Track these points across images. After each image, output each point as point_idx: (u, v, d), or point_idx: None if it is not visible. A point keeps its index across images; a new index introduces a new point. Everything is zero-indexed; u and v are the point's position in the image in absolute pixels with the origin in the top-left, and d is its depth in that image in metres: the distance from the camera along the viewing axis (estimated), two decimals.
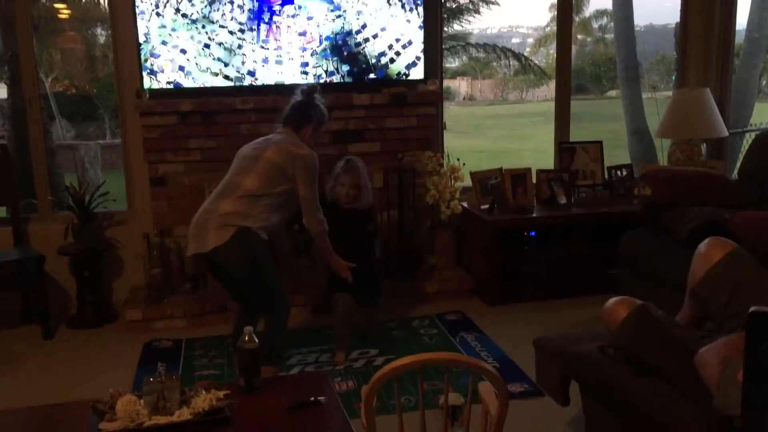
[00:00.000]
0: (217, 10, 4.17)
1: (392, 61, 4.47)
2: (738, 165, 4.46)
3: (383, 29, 4.42)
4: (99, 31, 11.36)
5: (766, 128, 5.77)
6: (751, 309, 1.29)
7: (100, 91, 12.06)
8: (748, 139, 5.72)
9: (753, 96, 6.99)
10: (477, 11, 9.63)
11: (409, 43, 4.46)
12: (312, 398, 2.17)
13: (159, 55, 4.17)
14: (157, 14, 4.13)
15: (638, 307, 2.28)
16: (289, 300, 3.28)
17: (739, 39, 6.44)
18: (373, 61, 4.44)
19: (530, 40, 22.09)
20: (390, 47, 4.45)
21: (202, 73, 4.23)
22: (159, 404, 2.04)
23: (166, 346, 3.94)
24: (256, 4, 4.21)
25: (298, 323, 4.11)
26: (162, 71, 4.21)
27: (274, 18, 4.26)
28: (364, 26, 4.39)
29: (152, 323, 4.16)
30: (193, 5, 4.15)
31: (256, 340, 2.25)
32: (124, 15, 4.24)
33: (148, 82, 4.20)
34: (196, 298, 4.30)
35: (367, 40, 4.41)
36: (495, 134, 15.73)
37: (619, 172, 4.87)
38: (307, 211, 3.24)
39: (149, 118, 4.21)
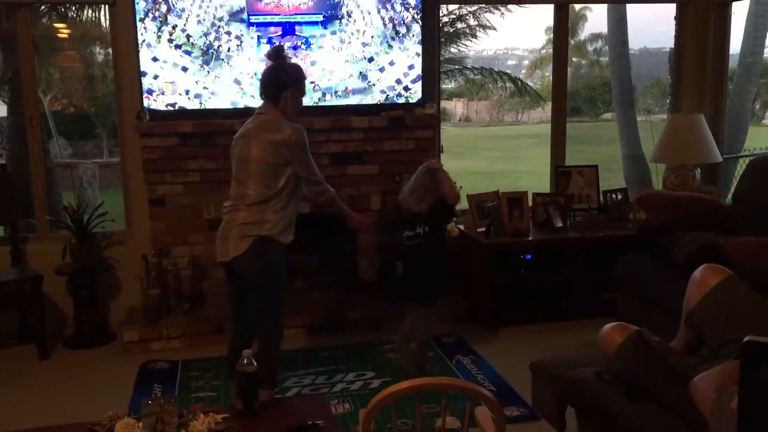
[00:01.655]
0: (219, 47, 4.24)
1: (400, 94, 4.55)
2: (732, 190, 4.50)
3: (392, 63, 4.50)
4: (98, 50, 11.43)
5: (760, 153, 5.82)
6: (746, 339, 1.32)
7: (98, 110, 12.11)
8: (742, 164, 5.78)
9: (747, 121, 7.06)
10: (474, 35, 9.73)
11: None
12: (310, 422, 2.17)
13: (158, 77, 4.22)
14: (158, 38, 4.18)
15: (634, 333, 2.30)
16: (283, 322, 3.28)
17: (733, 64, 6.53)
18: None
19: (526, 62, 22.31)
20: (398, 81, 4.53)
21: (202, 95, 4.29)
22: (157, 428, 2.04)
23: (162, 368, 3.93)
24: (256, 37, 4.28)
25: (294, 345, 4.11)
26: (162, 93, 4.25)
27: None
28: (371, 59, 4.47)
29: (149, 344, 4.16)
30: (192, 42, 4.21)
31: (255, 363, 2.26)
32: (125, 36, 4.29)
33: (147, 103, 4.23)
34: (193, 319, 4.30)
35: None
36: (491, 155, 15.82)
37: (614, 196, 4.91)
38: (311, 185, 3.20)
39: (149, 139, 4.23)
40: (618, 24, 7.84)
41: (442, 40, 8.33)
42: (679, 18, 5.14)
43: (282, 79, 3.08)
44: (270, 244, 3.04)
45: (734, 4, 5.06)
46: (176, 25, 4.19)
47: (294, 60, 4.16)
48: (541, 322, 4.44)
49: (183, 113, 4.28)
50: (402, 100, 4.58)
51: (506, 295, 4.44)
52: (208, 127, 4.22)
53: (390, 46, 4.49)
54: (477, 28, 9.60)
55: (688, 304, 2.40)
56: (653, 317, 3.23)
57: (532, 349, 3.97)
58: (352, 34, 4.43)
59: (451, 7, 8.65)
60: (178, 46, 4.21)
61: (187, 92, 4.27)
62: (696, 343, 2.46)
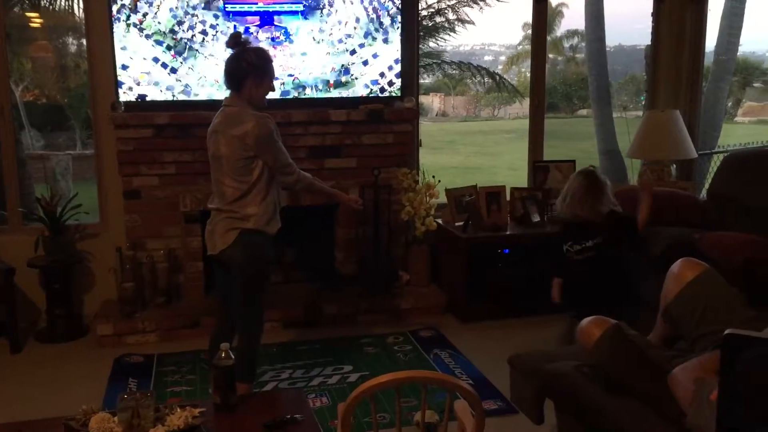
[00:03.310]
0: (193, 36, 4.18)
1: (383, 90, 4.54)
2: (707, 186, 4.55)
3: (375, 56, 4.47)
4: (71, 40, 11.23)
5: (734, 150, 5.90)
6: (726, 331, 1.32)
7: (72, 101, 11.91)
8: (716, 160, 5.85)
9: (721, 118, 7.16)
10: (453, 30, 9.73)
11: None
12: (288, 416, 2.16)
13: (128, 67, 4.16)
14: (135, 26, 4.12)
15: (611, 326, 2.31)
16: (264, 317, 3.25)
17: (707, 62, 6.61)
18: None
19: (502, 58, 22.35)
20: (382, 75, 4.51)
21: (178, 86, 4.23)
22: (133, 422, 2.02)
23: (137, 362, 3.88)
24: (232, 27, 4.23)
25: (272, 339, 4.08)
26: (138, 84, 4.19)
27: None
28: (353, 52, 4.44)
29: (123, 338, 4.11)
30: (172, 35, 4.15)
31: (233, 357, 2.24)
32: (99, 26, 4.22)
33: (122, 95, 4.17)
34: (169, 312, 4.25)
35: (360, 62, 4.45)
36: (467, 150, 15.86)
37: None
38: (282, 176, 3.05)
39: (124, 130, 4.17)
40: (595, 20, 7.89)
41: (421, 34, 8.32)
42: (656, 15, 5.18)
43: (242, 67, 2.94)
44: (256, 236, 3.00)
45: (710, 1, 5.11)
46: (147, 14, 4.12)
47: (270, 48, 4.14)
48: (519, 316, 4.46)
49: (158, 104, 4.22)
50: (386, 95, 4.56)
51: (484, 289, 4.45)
52: (184, 119, 4.16)
53: (374, 38, 4.46)
54: (456, 23, 9.60)
55: (665, 298, 2.43)
56: (631, 311, 3.25)
57: (510, 342, 3.98)
58: (334, 25, 4.39)
59: (430, 0, 8.65)
60: (148, 36, 4.14)
61: (161, 84, 4.21)
62: (673, 337, 2.49)
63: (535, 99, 5.17)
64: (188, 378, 3.67)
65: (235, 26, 4.21)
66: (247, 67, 2.93)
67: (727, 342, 1.35)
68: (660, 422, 2.05)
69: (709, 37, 5.34)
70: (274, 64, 3.05)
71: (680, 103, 5.08)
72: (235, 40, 3.01)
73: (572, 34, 20.65)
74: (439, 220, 4.71)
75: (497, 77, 11.20)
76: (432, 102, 21.46)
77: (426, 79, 15.61)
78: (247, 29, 4.23)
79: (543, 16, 5.06)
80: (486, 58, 22.87)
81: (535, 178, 5.01)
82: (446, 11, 9.38)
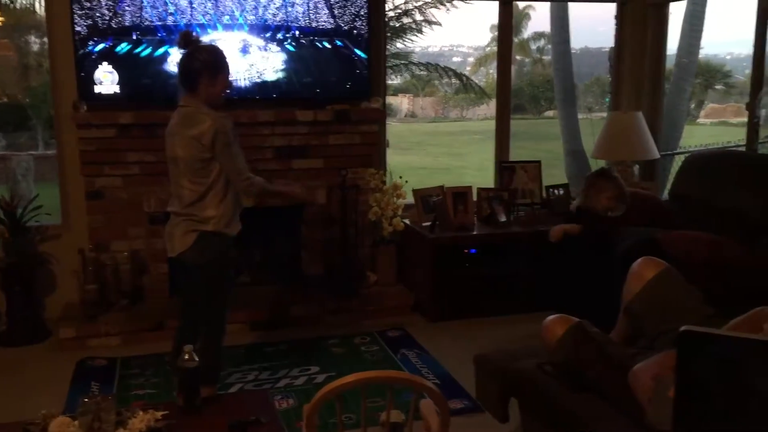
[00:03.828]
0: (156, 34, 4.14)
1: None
2: (668, 186, 4.63)
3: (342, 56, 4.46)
4: (32, 39, 11.03)
5: (695, 151, 6.01)
6: (682, 328, 1.34)
7: (34, 101, 11.69)
8: (678, 161, 5.95)
9: (683, 119, 7.29)
10: (420, 31, 9.76)
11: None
12: (253, 417, 2.15)
13: (97, 67, 4.10)
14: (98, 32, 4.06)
15: (574, 324, 2.34)
16: (227, 318, 3.22)
17: (670, 64, 6.72)
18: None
19: (471, 60, 22.48)
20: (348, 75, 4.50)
21: (140, 85, 4.18)
22: (94, 426, 1.98)
23: (100, 365, 3.83)
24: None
25: (238, 341, 4.06)
26: (100, 83, 4.13)
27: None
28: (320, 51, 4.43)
29: (86, 341, 4.04)
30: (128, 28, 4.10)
31: (196, 359, 2.21)
32: (61, 24, 4.15)
33: (84, 93, 4.11)
34: (133, 315, 4.20)
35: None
36: (436, 151, 15.92)
37: (556, 191, 4.99)
38: (236, 181, 2.93)
39: (86, 130, 4.11)
40: (560, 23, 7.98)
41: (388, 34, 8.33)
42: (619, 17, 5.25)
43: (194, 66, 2.89)
44: (216, 239, 2.97)
45: (671, 4, 5.20)
46: (112, 9, 4.07)
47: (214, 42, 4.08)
48: (486, 315, 4.49)
49: (122, 103, 4.17)
50: (350, 95, 4.55)
51: (451, 289, 4.47)
52: (148, 118, 4.11)
53: (338, 39, 4.46)
54: (423, 24, 9.64)
55: (627, 296, 2.47)
56: (595, 309, 3.30)
57: (477, 342, 4.01)
58: (301, 23, 4.38)
59: (398, 1, 8.67)
60: (113, 33, 4.09)
61: (125, 82, 4.16)
62: (634, 334, 2.53)
63: (502, 100, 5.21)
64: (152, 381, 3.63)
65: (184, 25, 4.17)
66: (200, 65, 2.88)
67: (683, 339, 1.38)
68: (621, 419, 2.08)
69: (670, 40, 5.44)
70: (228, 60, 3.00)
71: (643, 104, 5.16)
72: (185, 40, 2.95)
73: (539, 36, 20.86)
74: (407, 221, 4.72)
75: (464, 78, 11.27)
76: (401, 103, 21.50)
77: (395, 80, 15.63)
78: (205, 25, 4.19)
79: (508, 18, 5.10)
80: (454, 59, 22.99)
81: (501, 178, 5.05)
82: (413, 12, 9.43)
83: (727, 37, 24.53)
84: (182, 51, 2.97)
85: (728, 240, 3.39)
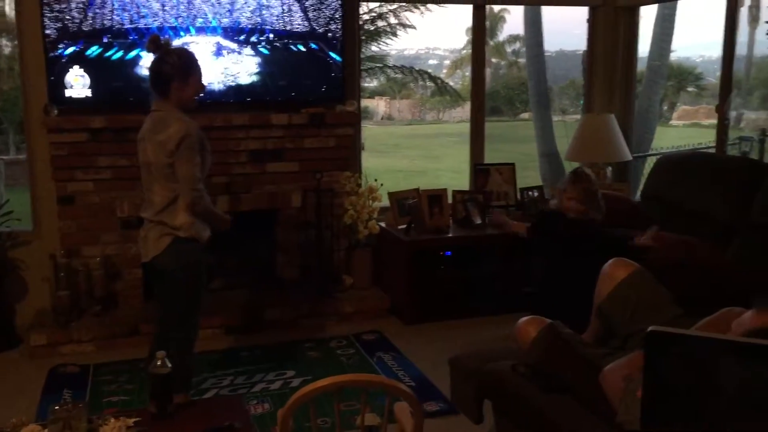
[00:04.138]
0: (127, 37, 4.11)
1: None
2: (641, 187, 4.68)
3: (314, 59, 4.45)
4: (4, 42, 10.88)
5: (666, 152, 6.09)
6: (649, 329, 1.36)
7: (5, 105, 11.53)
8: (650, 162, 6.02)
9: (655, 121, 7.38)
10: (394, 34, 9.79)
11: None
12: (227, 423, 2.13)
13: (68, 70, 4.06)
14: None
15: (547, 326, 2.36)
16: (200, 324, 3.20)
17: (642, 67, 6.80)
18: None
19: (447, 62, 22.59)
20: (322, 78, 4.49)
21: (112, 88, 4.15)
22: None
23: (72, 372, 3.78)
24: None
25: (213, 346, 4.03)
26: (71, 86, 4.08)
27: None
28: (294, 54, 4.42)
29: (58, 348, 3.99)
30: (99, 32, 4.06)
31: (169, 365, 2.20)
32: (31, 27, 4.09)
33: (55, 97, 4.06)
34: (106, 321, 4.15)
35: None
36: (412, 154, 15.95)
37: (531, 193, 5.03)
38: (186, 189, 2.85)
39: (57, 134, 4.06)
40: (534, 26, 8.05)
41: (363, 38, 8.34)
42: (591, 21, 5.31)
43: (165, 70, 2.87)
44: (189, 244, 2.95)
45: (642, 8, 5.27)
46: (82, 12, 4.03)
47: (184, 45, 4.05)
48: (461, 317, 4.50)
49: (93, 107, 4.13)
50: (326, 98, 4.55)
51: (426, 292, 4.48)
52: (120, 122, 4.07)
53: (313, 43, 4.45)
54: (397, 27, 9.67)
55: (599, 297, 2.49)
56: (568, 310, 3.32)
57: (452, 344, 4.01)
58: (275, 26, 4.37)
59: (372, 5, 8.68)
60: (84, 36, 4.05)
61: (97, 86, 4.12)
62: (606, 335, 2.55)
63: (476, 102, 5.24)
64: (126, 388, 3.59)
65: (156, 28, 4.13)
66: (170, 69, 2.86)
67: (650, 340, 1.40)
68: (593, 419, 2.10)
69: (642, 43, 5.52)
70: (199, 63, 2.98)
71: (615, 107, 5.22)
72: (154, 44, 2.92)
73: (514, 39, 21.00)
74: (382, 223, 4.73)
75: (439, 81, 11.32)
76: (377, 105, 21.53)
77: (371, 83, 15.65)
78: (178, 29, 4.16)
79: (482, 21, 5.13)
80: (431, 62, 23.08)
81: (476, 180, 5.07)
82: (388, 15, 9.44)
83: (698, 40, 24.91)
84: (152, 55, 2.94)
85: (698, 241, 3.43)
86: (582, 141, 4.90)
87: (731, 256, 3.33)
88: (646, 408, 1.42)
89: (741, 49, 13.57)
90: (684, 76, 17.96)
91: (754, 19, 11.66)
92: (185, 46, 3.87)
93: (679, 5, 7.64)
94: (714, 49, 4.43)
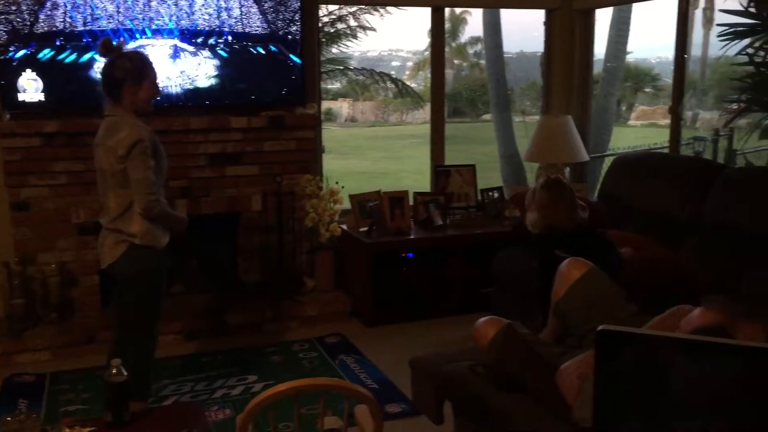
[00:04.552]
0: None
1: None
2: (598, 187, 4.76)
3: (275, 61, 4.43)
4: None
5: (622, 153, 6.20)
6: (599, 327, 1.38)
7: None
8: (608, 162, 6.12)
9: (611, 122, 7.50)
10: (354, 36, 9.80)
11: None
12: (185, 430, 2.11)
13: (20, 74, 3.97)
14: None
15: (504, 326, 2.38)
16: (158, 330, 3.16)
17: (598, 69, 6.92)
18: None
19: (410, 64, 22.68)
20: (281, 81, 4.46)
21: (68, 93, 4.07)
22: None
23: (28, 381, 3.70)
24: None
25: (173, 352, 3.99)
26: (24, 90, 4.00)
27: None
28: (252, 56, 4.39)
29: (13, 357, 3.90)
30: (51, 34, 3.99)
31: (125, 373, 2.17)
32: None
33: (7, 101, 3.98)
34: (62, 329, 4.08)
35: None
36: (375, 155, 15.97)
37: (491, 194, 5.07)
38: (141, 195, 2.79)
39: (10, 139, 3.98)
40: (493, 28, 8.11)
41: (323, 40, 8.32)
42: (548, 23, 5.38)
43: (116, 74, 2.81)
44: (145, 251, 2.91)
45: (598, 11, 5.35)
46: (33, 14, 3.95)
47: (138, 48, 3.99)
48: (423, 318, 4.52)
49: (47, 112, 4.05)
50: (286, 101, 4.53)
51: (389, 293, 4.50)
52: (75, 127, 4.00)
53: (272, 45, 4.43)
54: (357, 29, 9.68)
55: (555, 297, 2.53)
56: (527, 311, 3.37)
57: (414, 345, 4.03)
58: (233, 28, 4.34)
59: (331, 7, 8.66)
60: (35, 38, 3.97)
61: (50, 89, 4.04)
62: (563, 334, 2.59)
63: (436, 104, 5.27)
64: (83, 396, 3.53)
65: (110, 30, 4.07)
66: (122, 74, 2.82)
67: (601, 338, 1.42)
68: (549, 418, 2.12)
69: (598, 46, 5.60)
70: (153, 66, 2.94)
71: (573, 108, 5.30)
72: (106, 47, 2.87)
73: (475, 40, 21.16)
74: (344, 226, 4.72)
75: (400, 83, 11.36)
76: (341, 107, 21.51)
77: (334, 85, 15.62)
78: (121, 32, 4.10)
79: (441, 24, 5.16)
80: (394, 63, 23.14)
81: (437, 182, 5.10)
82: (347, 18, 9.44)
83: (654, 42, 25.39)
84: (104, 59, 2.89)
85: (653, 240, 3.50)
86: (540, 142, 4.96)
87: (685, 254, 3.41)
88: (598, 405, 1.45)
89: (696, 50, 13.88)
90: (641, 77, 18.31)
91: (708, 21, 11.95)
92: (140, 49, 3.81)
93: (636, 8, 7.80)
94: (670, 51, 4.53)
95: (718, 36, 4.57)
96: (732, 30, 4.46)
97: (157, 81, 2.96)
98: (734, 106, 4.89)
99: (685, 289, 2.65)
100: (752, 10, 4.36)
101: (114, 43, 2.91)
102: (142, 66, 2.88)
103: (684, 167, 3.95)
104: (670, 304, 2.26)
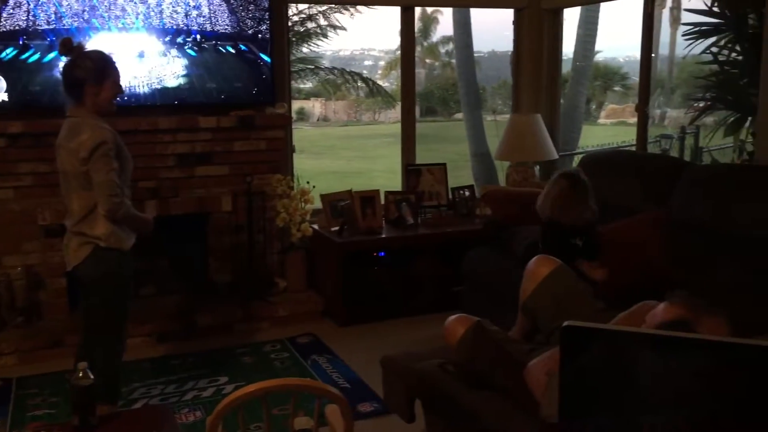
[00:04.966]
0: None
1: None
2: None
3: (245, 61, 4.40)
4: None
5: (590, 151, 6.27)
6: (564, 324, 1.40)
7: None
8: (577, 160, 6.19)
9: (580, 120, 7.58)
10: (325, 35, 9.78)
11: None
12: None
13: None
14: None
15: (474, 324, 2.40)
16: (126, 332, 3.12)
17: (567, 68, 6.99)
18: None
19: (382, 63, 22.71)
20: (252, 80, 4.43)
21: (32, 93, 4.01)
22: None
23: None
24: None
25: (143, 354, 3.95)
26: None
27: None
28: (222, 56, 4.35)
29: None
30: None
31: (91, 376, 2.14)
32: None
33: None
34: (29, 332, 4.01)
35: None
36: (348, 155, 15.96)
37: (462, 193, 5.10)
38: (104, 197, 2.74)
39: None
40: (463, 28, 8.15)
41: (293, 39, 8.29)
42: (517, 23, 5.42)
43: (77, 75, 2.77)
44: (110, 253, 2.87)
45: (566, 10, 5.40)
46: None
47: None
48: (395, 317, 4.53)
49: (11, 112, 3.98)
50: (257, 100, 4.50)
51: (361, 293, 4.49)
52: (40, 127, 3.93)
53: (242, 44, 4.40)
54: (327, 28, 9.66)
55: (524, 294, 2.55)
56: (497, 309, 3.39)
57: (386, 344, 4.04)
58: (202, 27, 4.30)
59: (301, 6, 8.64)
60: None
61: (14, 89, 3.97)
62: (532, 331, 2.61)
63: (406, 104, 5.28)
64: (51, 401, 3.47)
65: (75, 29, 4.00)
66: (83, 74, 2.77)
67: (566, 334, 1.43)
68: (518, 415, 2.14)
69: (567, 45, 5.65)
70: (117, 64, 2.90)
71: (542, 107, 5.34)
72: (65, 47, 2.82)
73: (447, 40, 21.26)
74: (315, 226, 4.71)
75: (370, 83, 11.37)
76: (313, 107, 21.46)
77: (306, 84, 15.57)
78: (87, 30, 4.04)
79: (410, 23, 5.17)
80: (366, 62, 23.17)
81: (408, 181, 5.11)
82: (317, 17, 9.42)
83: (623, 41, 25.71)
84: (64, 59, 2.84)
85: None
86: (510, 141, 5.00)
87: (650, 250, 3.44)
88: (564, 402, 1.46)
89: (664, 49, 14.08)
90: (610, 76, 18.53)
91: (675, 20, 12.11)
92: (105, 48, 3.75)
93: (604, 8, 7.89)
94: (638, 50, 4.60)
95: (683, 35, 4.65)
96: (696, 29, 4.54)
97: (120, 80, 2.91)
98: (701, 104, 4.97)
99: (650, 284, 2.68)
100: (716, 9, 4.44)
101: (74, 42, 2.86)
102: (103, 65, 2.83)
103: (650, 165, 4.00)
104: (638, 300, 2.29)
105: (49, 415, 3.32)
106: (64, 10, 3.99)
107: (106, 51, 2.96)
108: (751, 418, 1.33)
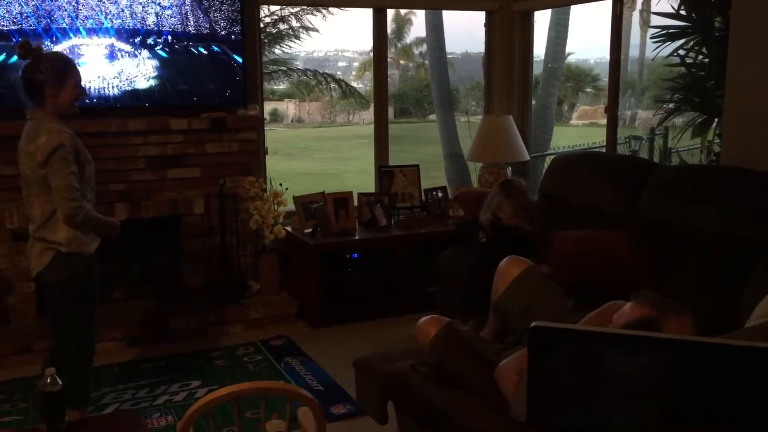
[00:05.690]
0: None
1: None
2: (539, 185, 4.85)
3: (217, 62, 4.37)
4: None
5: (561, 152, 6.33)
6: (532, 324, 1.41)
7: None
8: (549, 161, 6.24)
9: (552, 122, 7.65)
10: (297, 37, 9.76)
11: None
12: None
13: None
14: None
15: (445, 324, 2.41)
16: (96, 336, 3.09)
17: (538, 69, 7.04)
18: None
19: (356, 64, 22.71)
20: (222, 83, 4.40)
21: None
22: None
23: None
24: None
25: (114, 359, 3.91)
26: None
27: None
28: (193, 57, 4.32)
29: None
30: None
31: (60, 382, 2.11)
32: None
33: None
34: None
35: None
36: (322, 156, 15.94)
37: (435, 194, 5.12)
38: (62, 201, 2.70)
39: None
40: (435, 29, 8.18)
41: (265, 41, 8.26)
42: (488, 25, 5.45)
43: (36, 78, 2.73)
44: (73, 258, 2.83)
45: (537, 13, 5.45)
46: None
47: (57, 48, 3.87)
48: (369, 319, 4.53)
49: None
50: (229, 102, 4.48)
51: (334, 295, 4.49)
52: (4, 130, 3.87)
53: (215, 45, 4.38)
54: (300, 30, 9.65)
55: (495, 294, 2.57)
56: (470, 309, 3.41)
57: (360, 346, 4.02)
58: (173, 28, 4.27)
59: (273, 8, 8.60)
60: None
61: None
62: (503, 331, 2.63)
63: (379, 106, 5.29)
64: (20, 407, 3.43)
65: (42, 29, 3.94)
66: (42, 76, 2.73)
67: (534, 335, 1.45)
68: (489, 414, 2.15)
69: (538, 47, 5.70)
70: (77, 66, 2.86)
71: (513, 108, 5.38)
72: (24, 49, 2.78)
73: (421, 41, 21.34)
74: (288, 228, 4.70)
75: (343, 84, 11.37)
76: (287, 108, 21.39)
77: (280, 86, 15.51)
78: (54, 31, 3.98)
79: (383, 25, 5.18)
80: (340, 64, 23.17)
81: (381, 182, 5.12)
82: (289, 18, 9.40)
83: (594, 43, 26.01)
84: (23, 61, 2.79)
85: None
86: (482, 142, 5.03)
87: (619, 250, 3.48)
88: (532, 401, 1.47)
89: (634, 51, 14.26)
90: (582, 78, 18.73)
91: (645, 22, 12.28)
92: (73, 49, 3.72)
93: (575, 10, 7.98)
94: (608, 52, 4.67)
95: (651, 38, 4.71)
96: (664, 32, 4.60)
97: (82, 82, 2.87)
98: (669, 105, 5.04)
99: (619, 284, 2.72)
100: (683, 12, 4.51)
101: (33, 44, 2.81)
102: (62, 67, 2.79)
103: (619, 165, 4.04)
104: (606, 300, 2.32)
105: (18, 422, 3.27)
106: (29, 9, 3.93)
107: (75, 52, 2.93)
108: (716, 415, 1.36)
